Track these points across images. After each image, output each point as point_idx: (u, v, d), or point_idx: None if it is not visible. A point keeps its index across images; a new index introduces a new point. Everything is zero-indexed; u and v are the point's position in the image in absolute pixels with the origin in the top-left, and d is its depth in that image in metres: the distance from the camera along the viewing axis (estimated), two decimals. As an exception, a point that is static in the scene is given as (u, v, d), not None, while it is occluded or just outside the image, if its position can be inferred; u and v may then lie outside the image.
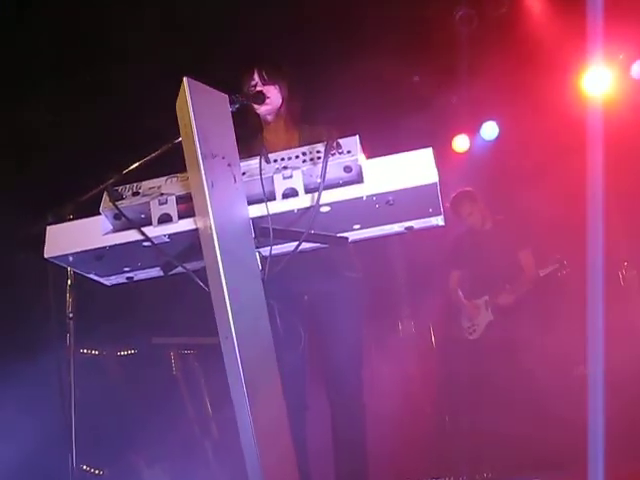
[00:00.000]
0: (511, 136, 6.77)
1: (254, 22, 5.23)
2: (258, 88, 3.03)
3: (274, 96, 3.08)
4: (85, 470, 4.41)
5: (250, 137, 3.19)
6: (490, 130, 6.96)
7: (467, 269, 5.65)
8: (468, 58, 6.30)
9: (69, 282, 2.63)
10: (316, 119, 3.26)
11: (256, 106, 3.05)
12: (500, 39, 6.25)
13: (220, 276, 1.74)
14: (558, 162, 6.04)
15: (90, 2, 4.79)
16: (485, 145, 6.97)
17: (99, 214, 2.09)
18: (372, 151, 2.00)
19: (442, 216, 2.07)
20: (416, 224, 2.10)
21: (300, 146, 2.00)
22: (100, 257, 2.12)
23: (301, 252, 2.04)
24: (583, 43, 5.66)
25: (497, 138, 6.94)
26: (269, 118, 3.17)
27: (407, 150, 1.93)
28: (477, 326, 5.48)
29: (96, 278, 2.31)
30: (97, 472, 4.64)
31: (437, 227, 2.13)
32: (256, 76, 3.07)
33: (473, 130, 7.01)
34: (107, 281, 2.34)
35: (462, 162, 6.83)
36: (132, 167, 2.36)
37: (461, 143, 7.04)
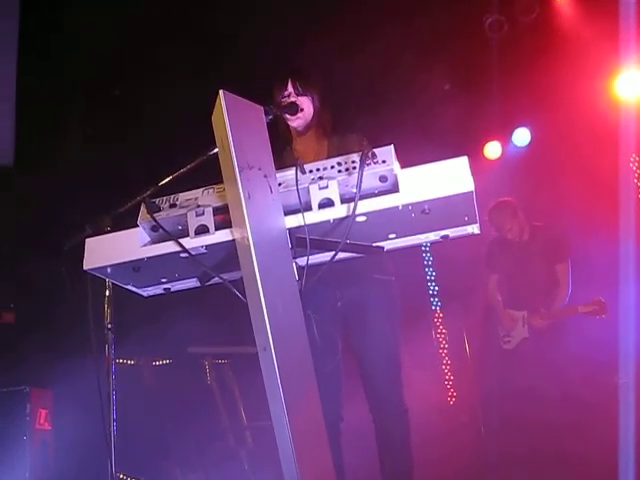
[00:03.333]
0: (543, 142, 6.71)
1: (284, 34, 5.27)
2: (292, 99, 3.03)
3: (307, 107, 3.09)
4: (122, 478, 4.45)
5: (280, 148, 3.21)
6: (522, 136, 6.90)
7: (504, 274, 5.56)
8: (499, 64, 6.28)
9: (107, 293, 2.67)
10: (346, 129, 3.26)
11: (289, 117, 3.06)
12: (531, 45, 6.21)
13: (257, 287, 1.75)
14: (591, 167, 5.98)
15: (122, 17, 4.87)
16: (517, 151, 6.91)
17: (137, 226, 2.12)
18: (404, 160, 2.00)
19: (478, 224, 2.06)
20: (452, 233, 2.09)
21: (329, 156, 2.00)
22: (138, 268, 2.15)
23: (336, 261, 2.04)
24: (615, 46, 5.60)
25: (529, 144, 6.88)
26: (300, 129, 3.17)
27: (439, 158, 1.93)
28: (512, 338, 5.40)
29: (134, 289, 2.34)
30: (134, 481, 4.68)
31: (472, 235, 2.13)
32: (290, 87, 3.07)
33: (505, 137, 6.95)
34: (144, 292, 2.37)
35: (494, 169, 6.78)
36: (168, 179, 2.38)
37: (493, 150, 6.98)
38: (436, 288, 7.11)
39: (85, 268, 2.16)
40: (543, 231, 5.51)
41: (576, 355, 5.26)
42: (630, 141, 5.72)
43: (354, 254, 2.11)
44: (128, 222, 2.21)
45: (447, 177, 1.88)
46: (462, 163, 1.89)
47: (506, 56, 6.27)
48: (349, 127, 3.27)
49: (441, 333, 6.90)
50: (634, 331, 4.71)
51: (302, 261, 1.99)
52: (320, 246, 2.01)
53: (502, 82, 6.22)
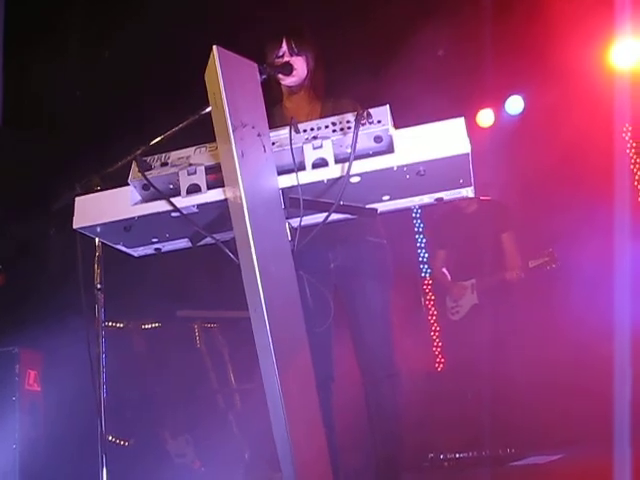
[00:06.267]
0: (537, 110, 6.67)
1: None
2: (286, 58, 3.00)
3: (301, 67, 3.05)
4: (111, 441, 4.46)
5: (270, 105, 3.16)
6: (515, 104, 6.86)
7: (452, 249, 5.62)
8: (493, 31, 6.22)
9: (97, 253, 2.64)
10: (339, 92, 3.23)
11: (282, 76, 3.02)
12: (526, 11, 6.15)
13: (250, 247, 1.73)
14: (585, 137, 5.96)
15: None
16: (510, 119, 6.88)
17: (127, 185, 2.09)
18: (397, 124, 1.97)
19: (472, 187, 2.04)
20: (446, 195, 2.07)
21: (322, 118, 1.98)
22: (128, 228, 2.12)
23: (330, 222, 2.02)
24: (612, 14, 5.55)
25: (523, 112, 6.84)
26: (293, 88, 3.13)
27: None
28: (461, 307, 5.48)
29: (124, 249, 2.32)
30: (123, 443, 4.70)
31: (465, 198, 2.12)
32: (284, 46, 3.03)
33: (498, 104, 6.91)
34: (135, 252, 2.34)
35: (487, 137, 6.75)
36: (160, 137, 2.35)
37: (486, 117, 6.94)
38: (426, 255, 7.12)
39: (75, 227, 2.13)
40: (489, 203, 5.55)
41: (529, 318, 5.33)
42: (624, 111, 5.69)
43: (347, 215, 2.09)
44: (119, 181, 2.18)
45: (443, 138, 1.86)
46: (459, 124, 1.87)
47: (500, 22, 6.21)
48: (342, 91, 3.24)
49: (430, 300, 6.93)
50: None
51: (295, 222, 1.97)
52: (313, 207, 1.99)
53: (496, 49, 6.16)
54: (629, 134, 6.46)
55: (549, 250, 5.24)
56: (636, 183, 6.64)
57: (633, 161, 6.65)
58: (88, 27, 5.03)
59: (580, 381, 4.78)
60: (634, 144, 6.62)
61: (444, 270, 5.68)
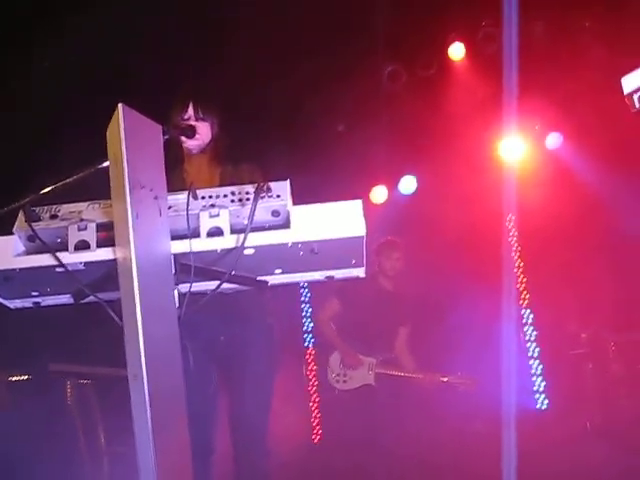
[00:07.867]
0: (428, 192, 6.93)
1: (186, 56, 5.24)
2: (191, 122, 3.01)
3: (205, 132, 3.07)
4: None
5: (170, 167, 3.14)
6: (408, 184, 7.11)
7: (348, 310, 5.30)
8: (394, 112, 6.48)
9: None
10: (240, 158, 3.25)
11: (184, 139, 3.02)
12: (426, 98, 6.47)
13: (135, 310, 1.69)
14: (471, 221, 6.23)
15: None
16: (403, 198, 7.10)
17: (12, 234, 2.00)
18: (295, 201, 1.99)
19: (364, 268, 2.08)
20: (337, 274, 2.09)
21: (221, 184, 1.98)
22: (8, 279, 2.02)
23: (220, 293, 2.01)
24: (501, 112, 5.90)
25: (415, 193, 7.09)
26: (194, 152, 3.14)
27: (325, 197, 1.95)
28: (349, 379, 5.24)
29: (0, 300, 2.20)
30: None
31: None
32: (191, 110, 3.06)
33: (392, 183, 7.14)
34: (11, 304, 2.22)
35: (378, 213, 6.93)
36: (51, 187, 2.26)
37: (379, 194, 7.14)
38: (310, 324, 7.15)
39: (-52, 272, 2.01)
40: (404, 292, 5.47)
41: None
42: (510, 201, 6.00)
43: (238, 286, 2.08)
44: (3, 228, 2.09)
45: (340, 219, 1.89)
46: (356, 206, 1.92)
47: (402, 105, 6.50)
48: (243, 157, 3.27)
49: (311, 370, 6.92)
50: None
51: (184, 288, 1.94)
52: (204, 274, 1.96)
53: (395, 129, 6.42)
54: (512, 223, 6.81)
55: (473, 377, 5.23)
56: (516, 270, 6.97)
57: (515, 249, 7.00)
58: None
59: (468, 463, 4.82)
60: (516, 233, 6.98)
61: (332, 325, 5.35)
